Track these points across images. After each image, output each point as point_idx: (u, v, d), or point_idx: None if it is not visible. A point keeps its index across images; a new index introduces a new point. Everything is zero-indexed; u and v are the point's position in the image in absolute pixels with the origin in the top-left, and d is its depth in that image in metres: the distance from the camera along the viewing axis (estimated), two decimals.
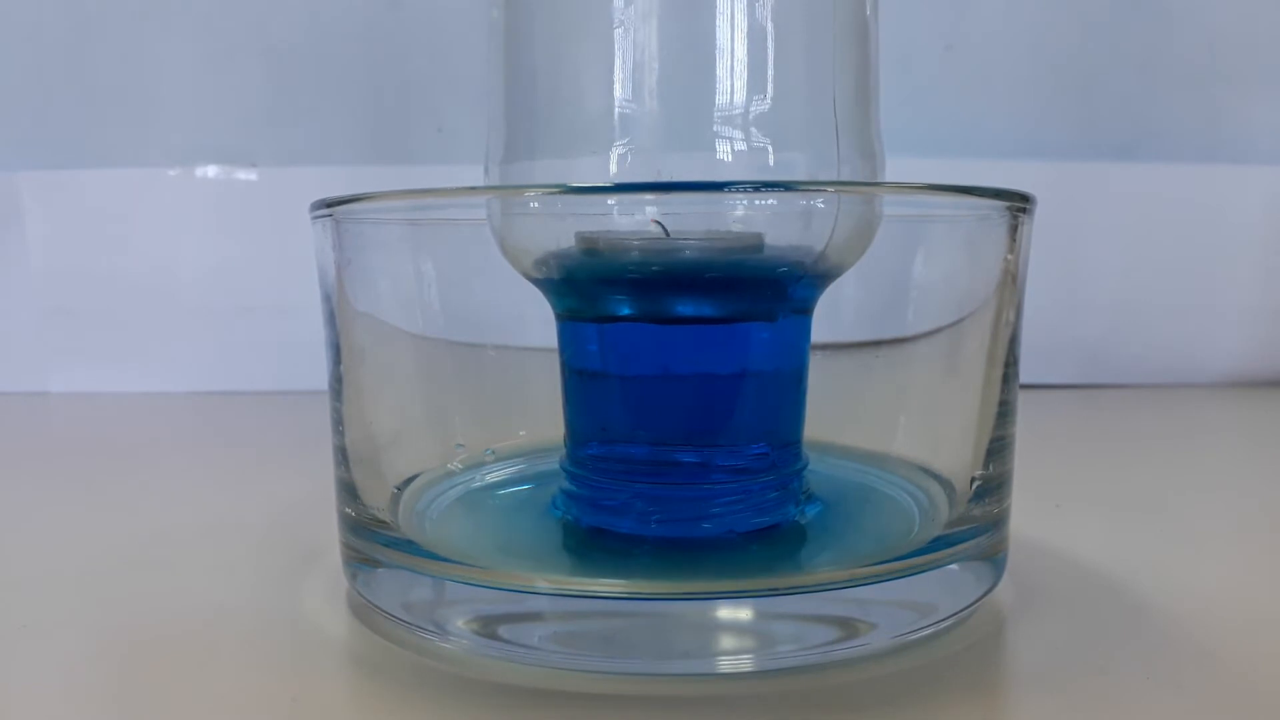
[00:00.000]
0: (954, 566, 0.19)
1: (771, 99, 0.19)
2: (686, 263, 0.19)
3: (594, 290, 0.20)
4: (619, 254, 0.19)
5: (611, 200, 0.19)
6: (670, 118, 0.19)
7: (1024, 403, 0.21)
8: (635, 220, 0.19)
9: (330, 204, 0.19)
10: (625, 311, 0.20)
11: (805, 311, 0.21)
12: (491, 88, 0.21)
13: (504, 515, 0.23)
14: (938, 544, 0.19)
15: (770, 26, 0.19)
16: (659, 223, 0.18)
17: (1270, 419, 0.43)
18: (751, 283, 0.20)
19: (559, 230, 0.19)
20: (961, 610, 0.19)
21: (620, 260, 0.19)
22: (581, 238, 0.19)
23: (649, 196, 0.19)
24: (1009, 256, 0.20)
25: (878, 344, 0.24)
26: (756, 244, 0.19)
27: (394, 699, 0.16)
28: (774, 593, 0.17)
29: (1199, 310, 0.49)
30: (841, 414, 0.24)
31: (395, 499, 0.22)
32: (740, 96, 0.19)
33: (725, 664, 0.17)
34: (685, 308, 0.20)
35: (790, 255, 0.19)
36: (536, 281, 0.21)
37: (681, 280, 0.19)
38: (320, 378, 0.21)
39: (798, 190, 0.19)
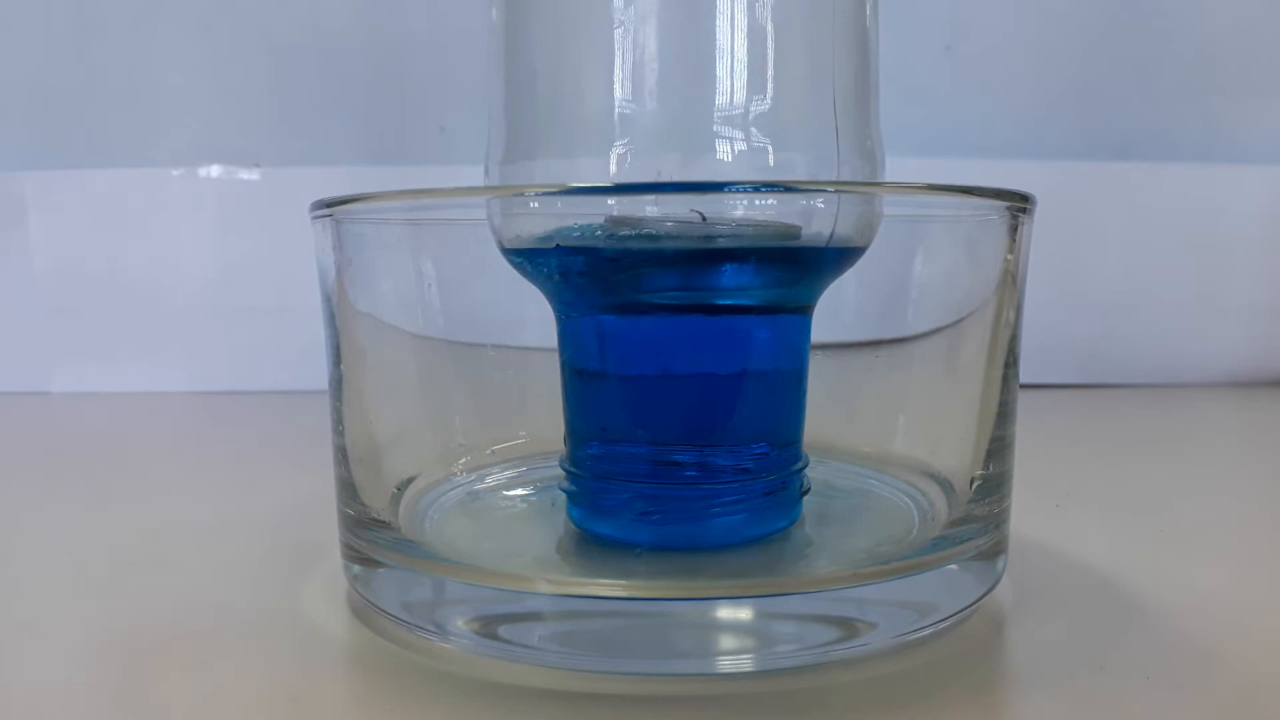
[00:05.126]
0: (954, 566, 0.19)
1: (771, 99, 0.19)
2: (718, 244, 0.19)
3: (612, 273, 0.20)
4: (650, 230, 0.19)
5: (611, 200, 0.19)
6: (670, 118, 0.19)
7: (1024, 403, 0.21)
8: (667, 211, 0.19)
9: (330, 204, 0.19)
10: (631, 298, 0.20)
11: (805, 311, 0.21)
12: (491, 88, 0.21)
13: (504, 515, 0.23)
14: (937, 544, 0.19)
15: (770, 27, 0.19)
16: (697, 211, 0.18)
17: (1270, 419, 0.43)
18: (771, 255, 0.20)
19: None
20: (961, 610, 0.19)
21: (653, 236, 0.19)
22: (611, 219, 0.19)
23: (649, 197, 0.19)
24: (1009, 256, 0.20)
25: (878, 344, 0.24)
26: (794, 234, 0.19)
27: (394, 699, 0.16)
28: (774, 593, 0.17)
29: (1198, 310, 0.49)
30: (841, 414, 0.24)
31: (395, 499, 0.22)
32: (740, 96, 0.19)
33: (725, 664, 0.17)
34: (701, 289, 0.20)
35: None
36: (538, 280, 0.21)
37: (706, 255, 0.19)
38: (320, 378, 0.21)
39: (798, 190, 0.19)
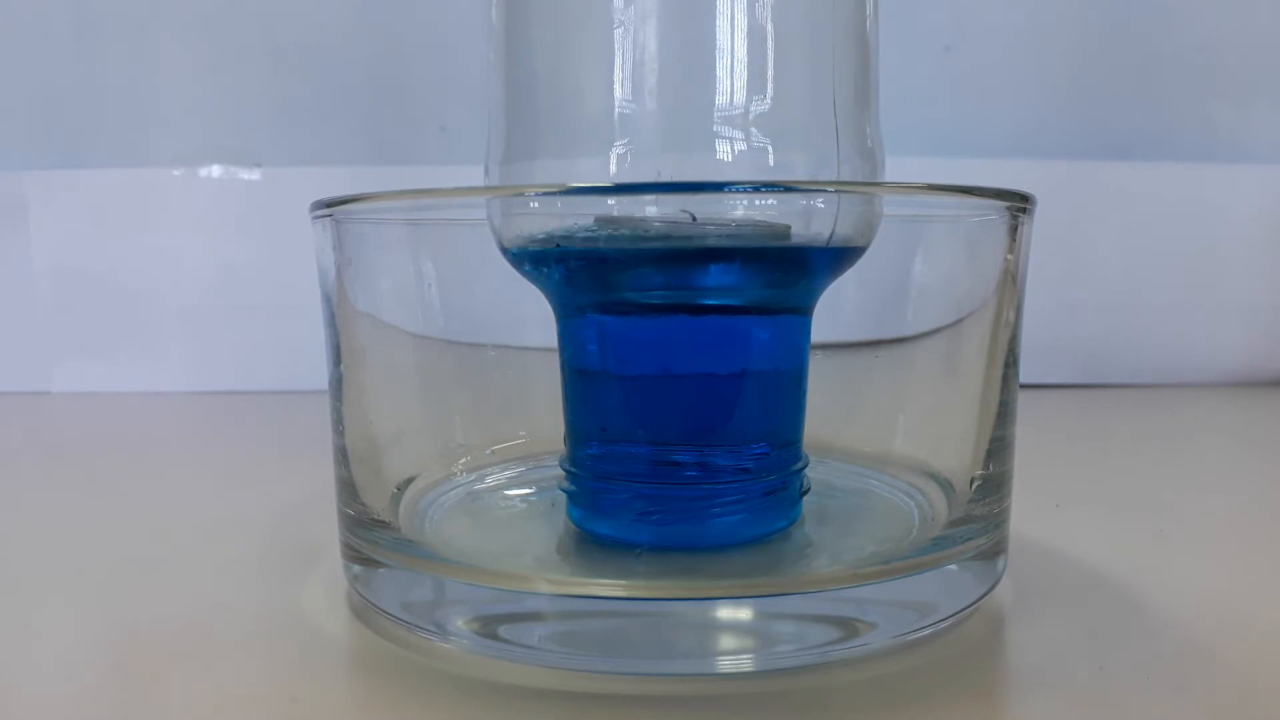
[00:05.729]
0: (953, 566, 0.19)
1: (771, 99, 0.19)
2: (708, 243, 0.19)
3: (607, 272, 0.20)
4: (641, 230, 0.19)
5: (611, 200, 0.19)
6: (670, 118, 0.19)
7: (1024, 403, 0.21)
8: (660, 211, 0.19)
9: (330, 204, 0.19)
10: (629, 297, 0.20)
11: (805, 311, 0.21)
12: (492, 88, 0.21)
13: (504, 515, 0.23)
14: (937, 544, 0.19)
15: (770, 27, 0.19)
16: (688, 211, 0.18)
17: (1270, 419, 0.43)
18: (767, 255, 0.20)
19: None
20: (961, 610, 0.19)
21: (642, 236, 0.19)
22: (601, 219, 0.19)
23: (648, 197, 0.19)
24: (1009, 256, 0.20)
25: (878, 344, 0.24)
26: (784, 234, 0.19)
27: (394, 699, 0.16)
28: (774, 593, 0.17)
29: (1198, 310, 0.49)
30: (841, 414, 0.24)
31: (395, 499, 0.22)
32: (740, 97, 0.19)
33: (725, 664, 0.17)
34: (696, 289, 0.20)
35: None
36: (538, 280, 0.21)
37: (700, 254, 0.19)
38: (320, 378, 0.21)
39: (798, 190, 0.19)
